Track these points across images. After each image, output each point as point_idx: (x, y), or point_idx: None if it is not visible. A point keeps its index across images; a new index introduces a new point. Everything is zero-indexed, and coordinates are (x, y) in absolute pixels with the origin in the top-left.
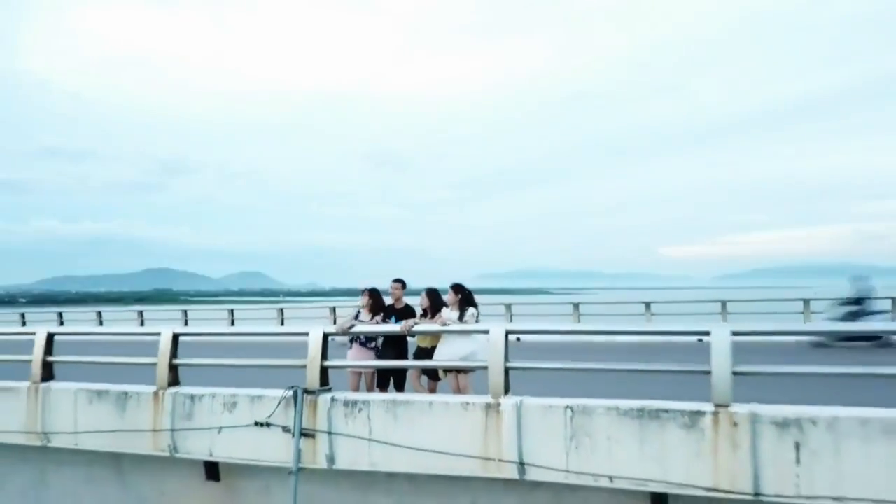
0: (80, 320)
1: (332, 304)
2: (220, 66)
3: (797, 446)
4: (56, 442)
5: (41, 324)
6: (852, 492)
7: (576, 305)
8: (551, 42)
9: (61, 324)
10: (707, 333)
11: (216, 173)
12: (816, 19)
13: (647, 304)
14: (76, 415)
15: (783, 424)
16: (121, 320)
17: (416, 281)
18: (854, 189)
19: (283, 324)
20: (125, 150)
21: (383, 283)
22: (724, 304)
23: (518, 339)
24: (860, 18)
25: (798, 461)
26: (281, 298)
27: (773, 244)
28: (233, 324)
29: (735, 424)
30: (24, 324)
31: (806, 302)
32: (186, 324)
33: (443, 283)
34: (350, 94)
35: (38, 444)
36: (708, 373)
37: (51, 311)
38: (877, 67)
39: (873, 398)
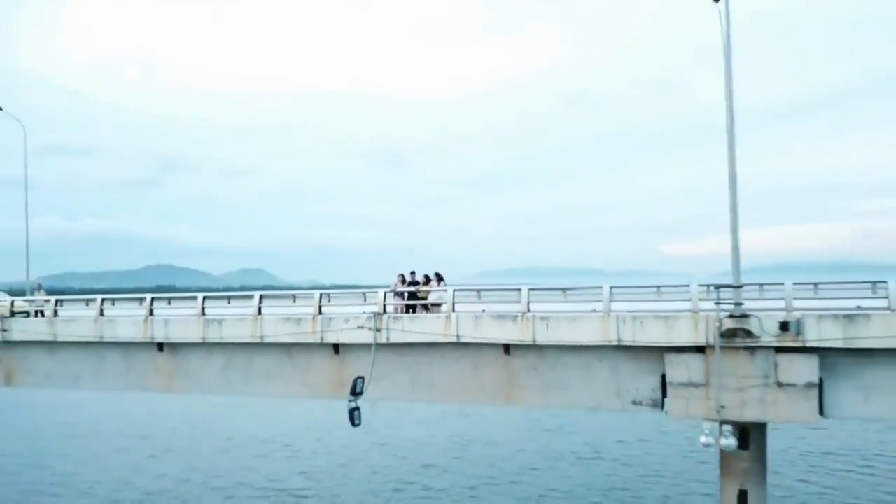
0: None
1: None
2: (219, 63)
3: (547, 325)
4: (266, 340)
5: None
6: (563, 340)
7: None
8: (554, 40)
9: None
10: (519, 289)
11: (216, 170)
12: (817, 17)
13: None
14: (276, 327)
15: (544, 317)
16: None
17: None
18: (856, 186)
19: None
20: (125, 148)
21: (386, 278)
22: None
23: (483, 311)
24: (861, 16)
25: (547, 330)
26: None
27: (774, 241)
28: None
29: (529, 319)
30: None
31: None
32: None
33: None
34: (351, 91)
35: (256, 342)
36: (519, 301)
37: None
38: (878, 65)
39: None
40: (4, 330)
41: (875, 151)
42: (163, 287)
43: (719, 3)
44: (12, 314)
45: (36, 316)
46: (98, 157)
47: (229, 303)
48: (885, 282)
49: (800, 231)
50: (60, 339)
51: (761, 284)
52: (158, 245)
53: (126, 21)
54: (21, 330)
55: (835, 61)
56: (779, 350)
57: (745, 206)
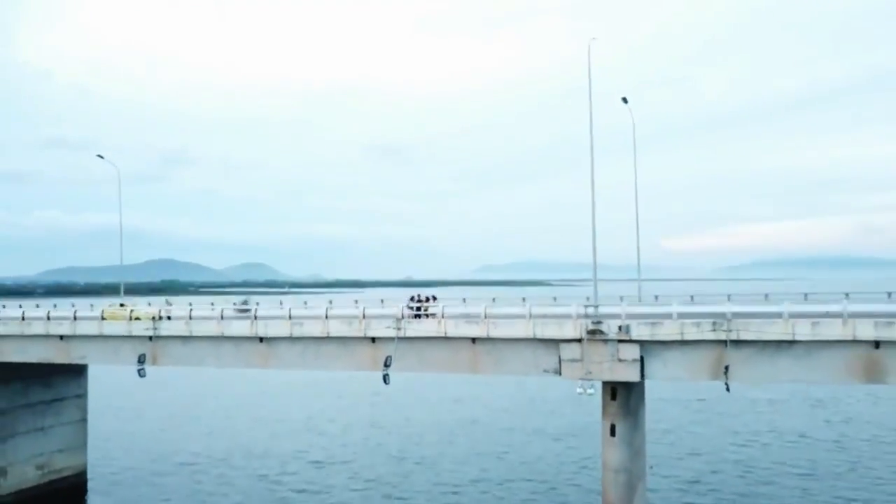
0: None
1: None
2: (221, 58)
3: (496, 325)
4: (330, 335)
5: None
6: (505, 335)
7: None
8: (556, 33)
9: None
10: (481, 301)
11: (218, 165)
12: (818, 12)
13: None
14: (337, 327)
15: (494, 321)
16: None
17: (423, 276)
18: (856, 181)
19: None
20: (127, 142)
21: (387, 275)
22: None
23: (463, 320)
24: (861, 11)
25: (496, 328)
26: (287, 290)
27: (774, 236)
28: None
29: (486, 322)
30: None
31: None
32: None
33: (443, 276)
34: (353, 86)
35: (324, 336)
36: (477, 307)
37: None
38: (879, 60)
39: None
40: (155, 328)
41: (877, 146)
42: (166, 282)
43: (628, 104)
44: (160, 318)
45: (162, 319)
46: (100, 152)
47: (293, 307)
48: (671, 303)
49: (801, 226)
50: (194, 334)
51: (614, 306)
52: (160, 240)
53: (128, 16)
54: (166, 328)
55: (837, 56)
56: (619, 341)
57: (746, 201)
